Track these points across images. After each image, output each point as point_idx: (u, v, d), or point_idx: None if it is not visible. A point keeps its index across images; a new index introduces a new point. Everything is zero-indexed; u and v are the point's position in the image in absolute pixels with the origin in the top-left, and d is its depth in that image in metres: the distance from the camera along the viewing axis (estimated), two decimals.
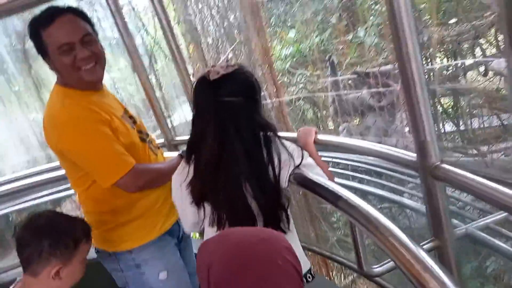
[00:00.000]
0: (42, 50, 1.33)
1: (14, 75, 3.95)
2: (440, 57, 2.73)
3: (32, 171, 2.85)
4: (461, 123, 2.60)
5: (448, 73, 2.66)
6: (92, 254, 1.48)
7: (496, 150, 2.21)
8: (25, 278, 1.21)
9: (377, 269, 1.24)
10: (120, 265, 1.47)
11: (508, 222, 1.31)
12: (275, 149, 1.19)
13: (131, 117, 1.51)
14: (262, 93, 1.35)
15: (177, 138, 2.74)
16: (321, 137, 1.47)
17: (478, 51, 2.61)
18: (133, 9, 3.42)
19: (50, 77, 1.46)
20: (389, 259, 1.24)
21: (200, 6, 2.98)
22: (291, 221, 1.28)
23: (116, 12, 2.39)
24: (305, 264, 1.28)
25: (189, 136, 1.25)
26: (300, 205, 2.92)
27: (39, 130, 3.71)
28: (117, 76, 3.92)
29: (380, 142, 1.47)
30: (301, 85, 3.52)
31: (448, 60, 2.68)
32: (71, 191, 2.61)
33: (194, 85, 1.22)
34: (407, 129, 2.59)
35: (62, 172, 1.50)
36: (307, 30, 3.26)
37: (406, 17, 1.01)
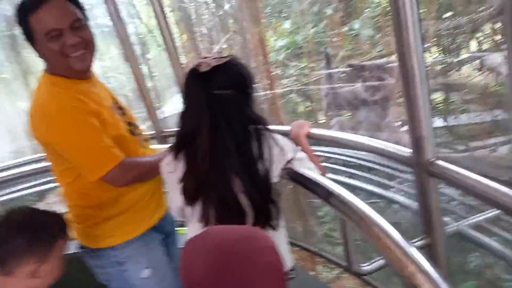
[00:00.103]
0: (29, 36, 1.28)
1: (2, 62, 3.87)
2: (433, 52, 2.71)
3: (17, 162, 2.79)
4: (450, 119, 2.60)
5: (441, 67, 2.65)
6: (72, 249, 1.44)
7: (485, 146, 2.22)
8: None
9: (366, 267, 1.23)
10: (102, 261, 1.42)
11: (499, 220, 1.31)
12: (266, 143, 1.17)
13: (120, 108, 1.47)
14: (255, 86, 1.33)
15: (168, 130, 2.72)
16: (315, 131, 1.45)
17: (473, 47, 2.60)
18: None
19: (39, 65, 1.42)
20: (378, 257, 1.23)
21: None
22: (281, 217, 1.26)
23: None
24: (289, 261, 1.27)
25: (177, 129, 1.22)
26: (289, 199, 2.91)
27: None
28: (108, 65, 3.86)
29: (371, 137, 1.46)
30: (294, 78, 3.50)
31: (443, 55, 2.66)
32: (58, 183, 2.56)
33: (184, 77, 1.19)
34: (398, 124, 2.59)
35: (48, 163, 1.46)
36: (302, 21, 3.23)
37: (409, 6, 0.97)
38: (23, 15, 1.26)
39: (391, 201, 1.96)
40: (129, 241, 1.41)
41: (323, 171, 1.31)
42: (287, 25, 3.57)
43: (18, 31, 1.36)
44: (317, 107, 3.26)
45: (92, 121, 1.26)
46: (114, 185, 1.33)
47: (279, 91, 3.02)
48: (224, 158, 1.12)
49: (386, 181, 2.04)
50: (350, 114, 2.87)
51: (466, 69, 2.56)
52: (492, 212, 1.24)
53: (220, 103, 1.12)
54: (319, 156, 1.51)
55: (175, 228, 1.72)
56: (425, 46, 2.52)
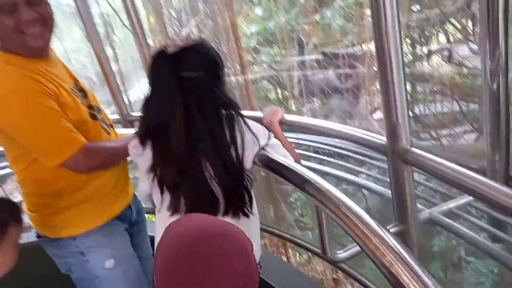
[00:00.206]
0: None
1: None
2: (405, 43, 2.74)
3: None
4: (418, 109, 2.64)
5: (410, 58, 2.68)
6: (32, 237, 1.36)
7: (452, 134, 2.27)
8: None
9: (341, 254, 1.23)
10: (63, 251, 1.36)
11: (471, 206, 1.34)
12: (238, 128, 1.13)
13: (82, 90, 1.38)
14: (227, 71, 1.28)
15: (134, 114, 2.64)
16: (288, 117, 1.43)
17: (442, 38, 2.64)
18: None
19: None
20: (353, 245, 1.22)
21: None
22: (254, 204, 1.23)
23: None
24: (257, 252, 1.25)
25: (143, 113, 1.15)
26: (261, 186, 2.90)
27: None
28: (71, 46, 3.68)
29: (343, 124, 1.45)
30: (265, 65, 3.46)
31: (412, 46, 2.69)
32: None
33: (151, 59, 1.12)
34: (368, 112, 2.60)
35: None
36: (274, 7, 3.18)
37: None
38: None
39: (362, 187, 1.97)
40: (90, 231, 1.34)
41: (297, 158, 1.28)
42: (258, 11, 3.51)
43: None
44: (289, 94, 3.24)
45: (50, 103, 1.17)
46: (76, 172, 1.25)
47: (251, 77, 2.97)
48: (196, 142, 1.07)
49: (357, 168, 2.04)
50: (322, 101, 2.87)
51: (435, 60, 2.60)
52: (465, 199, 1.26)
53: (191, 86, 1.07)
54: (291, 142, 1.48)
55: (144, 216, 1.66)
56: None
